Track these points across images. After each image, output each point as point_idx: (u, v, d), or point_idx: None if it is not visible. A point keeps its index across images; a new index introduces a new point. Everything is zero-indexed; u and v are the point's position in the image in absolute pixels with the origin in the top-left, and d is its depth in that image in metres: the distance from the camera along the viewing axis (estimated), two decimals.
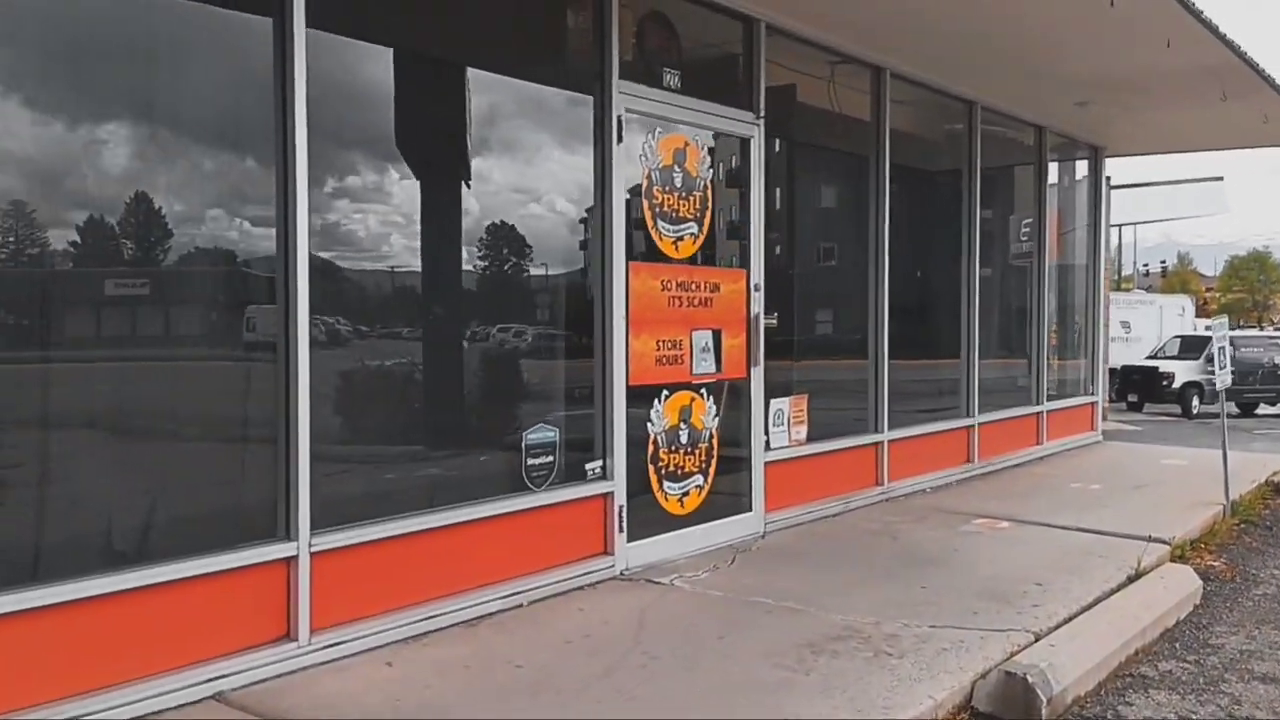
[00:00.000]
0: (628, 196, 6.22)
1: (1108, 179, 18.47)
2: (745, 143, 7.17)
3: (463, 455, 5.63)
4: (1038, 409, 11.38)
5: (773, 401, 7.51)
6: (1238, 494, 8.95)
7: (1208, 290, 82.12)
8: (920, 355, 9.97)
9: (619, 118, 6.09)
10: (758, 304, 7.19)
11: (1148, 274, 64.58)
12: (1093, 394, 12.84)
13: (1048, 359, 11.79)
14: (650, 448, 6.40)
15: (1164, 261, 79.14)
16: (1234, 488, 8.85)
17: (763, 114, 7.18)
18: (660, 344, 6.43)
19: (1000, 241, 11.61)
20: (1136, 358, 23.25)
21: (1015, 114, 10.86)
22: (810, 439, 7.88)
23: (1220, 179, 27.60)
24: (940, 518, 8.01)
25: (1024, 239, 11.70)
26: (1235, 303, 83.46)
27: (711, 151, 6.88)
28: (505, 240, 5.77)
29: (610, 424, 6.10)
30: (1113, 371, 20.80)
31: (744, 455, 7.23)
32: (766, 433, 7.42)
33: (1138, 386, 22.32)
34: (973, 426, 10.03)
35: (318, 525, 4.60)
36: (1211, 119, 11.06)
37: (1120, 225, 41.86)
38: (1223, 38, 8.09)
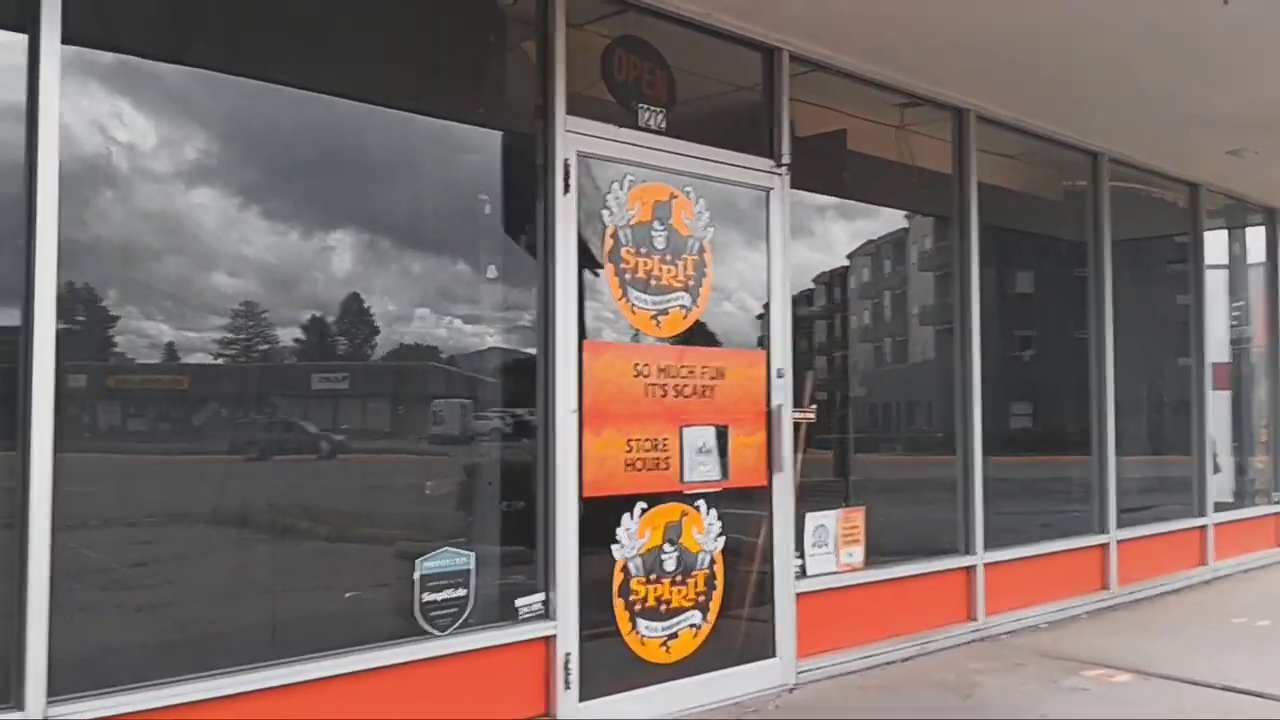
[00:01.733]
0: (583, 258, 4.98)
1: None
2: (763, 196, 5.82)
3: (321, 588, 4.39)
4: (1200, 521, 9.32)
5: (811, 516, 6.02)
6: None
7: None
8: (1033, 451, 8.25)
9: (566, 162, 4.88)
10: (782, 393, 5.76)
11: None
12: (1277, 502, 10.58)
13: (1215, 458, 9.75)
14: (618, 576, 5.02)
15: None
16: None
17: (785, 161, 5.84)
18: (633, 444, 5.09)
19: (1151, 320, 9.76)
20: None
21: (1158, 168, 9.09)
22: (870, 562, 6.31)
23: None
24: (1041, 666, 6.25)
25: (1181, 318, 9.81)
26: None
27: (713, 206, 5.56)
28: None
29: (552, 547, 4.78)
30: None
31: (765, 585, 5.73)
32: (801, 555, 5.92)
33: None
34: (1108, 544, 8.14)
35: (61, 690, 3.44)
36: None
37: None
38: None
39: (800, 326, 6.15)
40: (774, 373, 5.76)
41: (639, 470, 5.11)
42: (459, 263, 4.84)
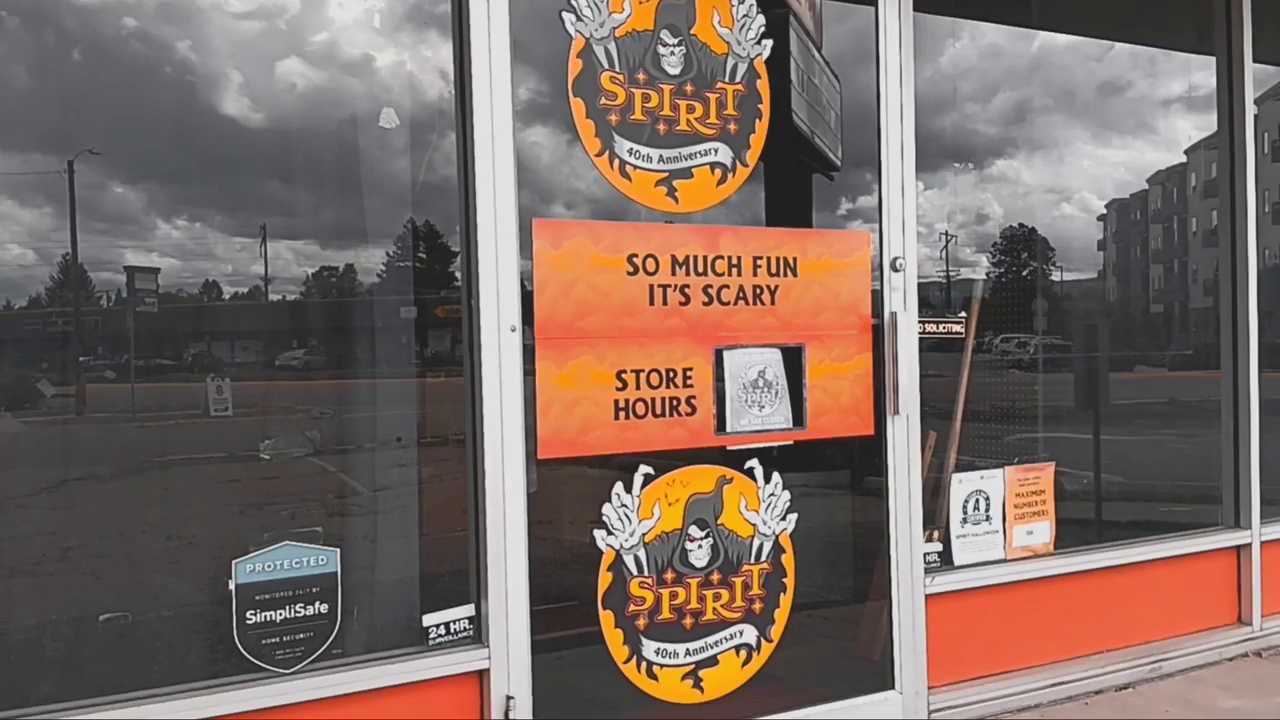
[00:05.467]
0: (528, 90, 3.22)
1: None
2: (872, 8, 3.80)
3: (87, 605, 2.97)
4: None
5: (961, 479, 4.04)
6: None
7: None
8: None
9: None
10: (901, 296, 3.78)
11: None
12: None
13: None
14: (605, 577, 3.30)
15: None
16: None
17: None
18: (628, 378, 3.32)
19: None
20: None
21: None
22: (1064, 543, 4.24)
23: None
24: None
25: None
26: None
27: (775, 4, 3.63)
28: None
29: (482, 535, 3.12)
30: None
31: (870, 583, 3.84)
32: (947, 535, 3.99)
33: None
34: None
35: None
36: None
37: None
38: None
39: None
40: (887, 263, 3.78)
41: (640, 417, 3.34)
42: (328, 115, 3.22)
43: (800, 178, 4.11)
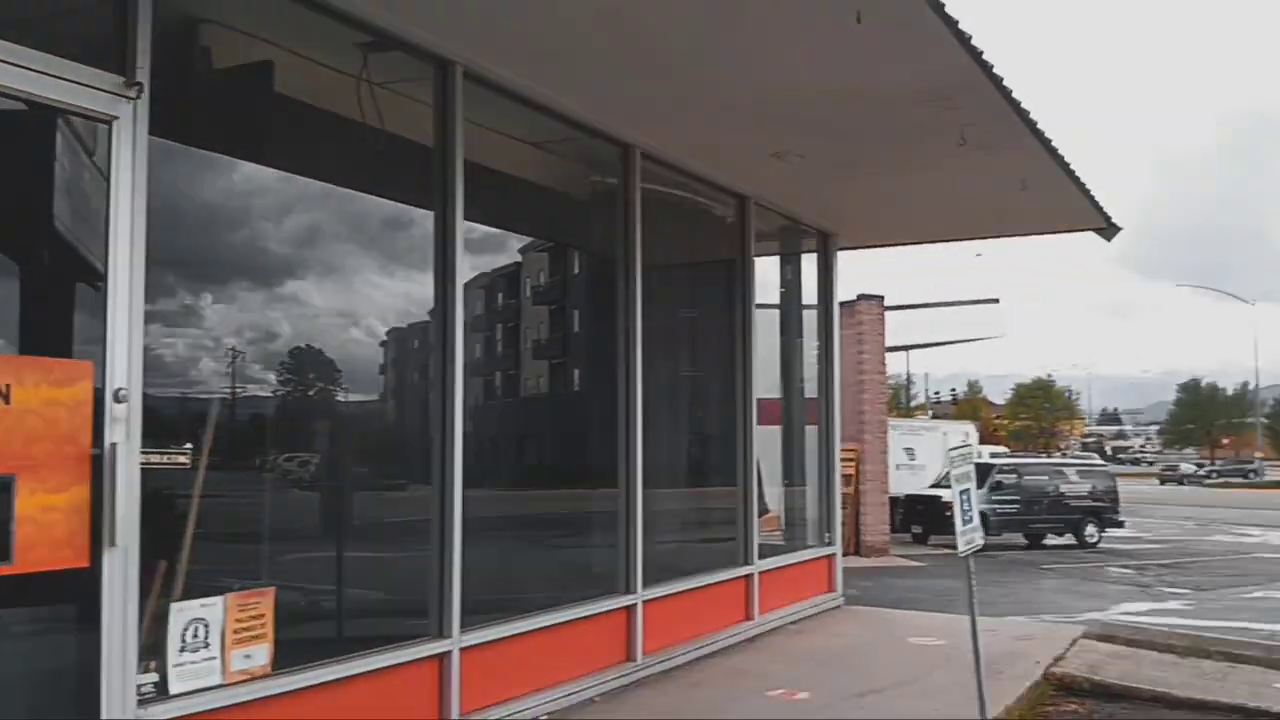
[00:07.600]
0: None
1: (878, 299, 16.28)
2: (105, 130, 3.89)
3: None
4: (746, 570, 8.28)
5: (181, 608, 4.15)
6: (1003, 707, 6.01)
7: (997, 418, 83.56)
8: (543, 484, 6.93)
9: None
10: (124, 427, 3.83)
11: (939, 402, 65.00)
12: (829, 542, 9.86)
13: (763, 499, 8.81)
14: None
15: (954, 390, 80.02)
16: (1001, 690, 6.04)
17: (140, 81, 3.95)
18: None
19: (702, 346, 8.77)
20: (920, 486, 20.64)
21: (703, 173, 8.02)
22: (284, 663, 4.49)
23: (997, 300, 26.62)
24: None
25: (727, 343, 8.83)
26: (1023, 430, 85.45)
27: None
28: None
29: None
30: (895, 500, 18.35)
31: None
32: (162, 667, 4.03)
33: (921, 517, 19.65)
34: (634, 606, 6.83)
35: None
36: (955, 190, 8.48)
37: (908, 348, 40.63)
38: (957, 33, 5.40)
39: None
40: (110, 394, 3.82)
41: None
42: None
43: (60, 287, 4.03)
